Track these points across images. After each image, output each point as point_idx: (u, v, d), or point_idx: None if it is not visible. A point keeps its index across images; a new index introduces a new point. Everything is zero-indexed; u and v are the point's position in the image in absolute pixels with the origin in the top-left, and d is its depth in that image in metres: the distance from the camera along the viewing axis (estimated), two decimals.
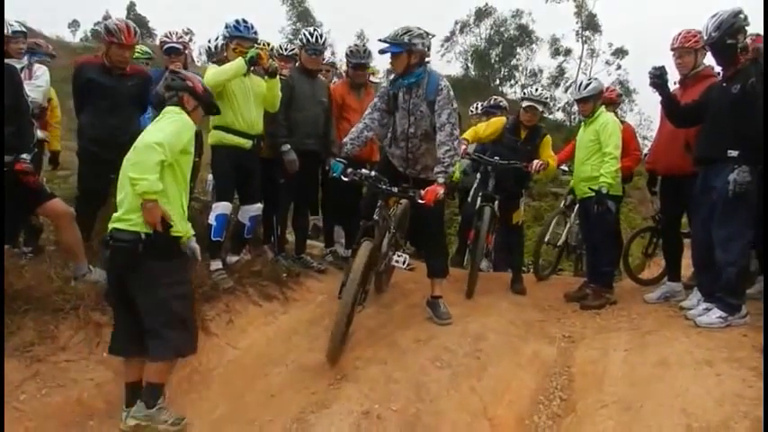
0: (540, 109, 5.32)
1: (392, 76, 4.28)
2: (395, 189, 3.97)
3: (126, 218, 2.99)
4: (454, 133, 4.01)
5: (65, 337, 3.53)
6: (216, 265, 4.45)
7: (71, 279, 3.98)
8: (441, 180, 3.91)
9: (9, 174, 3.69)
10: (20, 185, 3.73)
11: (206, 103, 3.39)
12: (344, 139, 4.20)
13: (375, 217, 3.98)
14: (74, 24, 41.89)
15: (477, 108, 7.00)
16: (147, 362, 3.08)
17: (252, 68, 4.34)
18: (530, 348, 4.04)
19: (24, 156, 3.76)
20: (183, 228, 3.13)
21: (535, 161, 5.22)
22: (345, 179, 3.98)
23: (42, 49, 5.49)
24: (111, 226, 3.03)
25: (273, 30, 39.05)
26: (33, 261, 4.27)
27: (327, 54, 6.19)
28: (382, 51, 4.04)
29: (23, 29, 5.02)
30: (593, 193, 4.71)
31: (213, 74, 4.25)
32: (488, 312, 4.64)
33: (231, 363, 3.77)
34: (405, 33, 3.95)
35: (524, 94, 5.55)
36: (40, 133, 4.72)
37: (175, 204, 3.10)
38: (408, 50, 3.95)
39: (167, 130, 3.05)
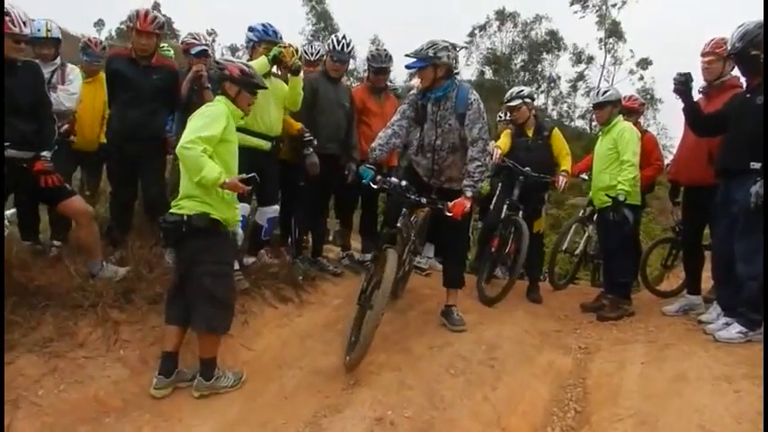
0: (519, 102, 5.37)
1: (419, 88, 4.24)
2: (423, 200, 3.97)
3: (177, 203, 3.34)
4: (486, 149, 4.03)
5: (83, 333, 3.58)
6: None
7: (90, 276, 4.02)
8: (469, 194, 3.93)
9: (28, 172, 3.72)
10: (39, 184, 3.75)
11: (246, 84, 3.51)
12: (373, 145, 4.19)
13: (398, 225, 3.98)
14: (99, 23, 42.51)
15: (506, 115, 6.91)
16: (197, 338, 3.46)
17: (275, 70, 4.37)
18: (545, 358, 4.00)
19: (45, 154, 3.79)
20: (225, 212, 3.36)
21: (561, 177, 5.25)
22: (375, 186, 3.98)
23: (91, 48, 5.27)
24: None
25: (293, 31, 39.33)
26: (57, 256, 4.34)
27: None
28: (408, 66, 4.06)
29: (52, 34, 4.63)
30: (611, 201, 4.68)
31: None
32: (503, 320, 4.61)
33: (246, 364, 3.78)
34: (429, 47, 3.94)
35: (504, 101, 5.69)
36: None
37: (217, 191, 3.28)
38: (433, 64, 3.94)
39: (194, 125, 3.25)
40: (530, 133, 5.43)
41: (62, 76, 4.61)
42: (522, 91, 5.54)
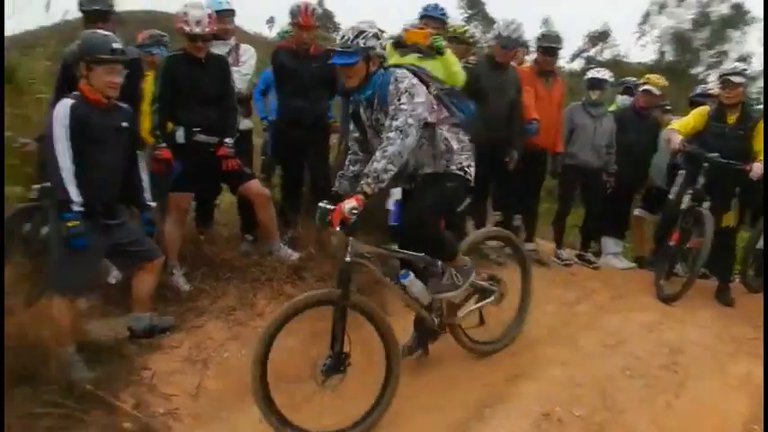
0: (739, 81, 4.64)
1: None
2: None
3: None
4: (395, 142, 2.91)
5: (261, 305, 3.89)
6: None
7: (267, 254, 4.32)
8: (362, 189, 2.89)
9: (212, 155, 4.05)
10: (221, 167, 4.07)
11: None
12: (338, 174, 3.47)
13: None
14: (270, 21, 45.52)
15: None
16: None
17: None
18: (740, 368, 3.51)
19: (227, 140, 4.08)
20: None
21: (757, 164, 4.43)
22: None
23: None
24: None
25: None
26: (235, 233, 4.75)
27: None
28: (336, 63, 3.13)
29: (231, 6, 4.70)
30: None
31: None
32: (685, 321, 4.16)
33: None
34: (357, 36, 3.04)
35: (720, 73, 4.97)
36: (247, 122, 4.95)
37: None
38: (366, 57, 3.05)
39: None
40: (731, 119, 4.70)
41: (236, 56, 4.75)
42: (746, 69, 4.93)
